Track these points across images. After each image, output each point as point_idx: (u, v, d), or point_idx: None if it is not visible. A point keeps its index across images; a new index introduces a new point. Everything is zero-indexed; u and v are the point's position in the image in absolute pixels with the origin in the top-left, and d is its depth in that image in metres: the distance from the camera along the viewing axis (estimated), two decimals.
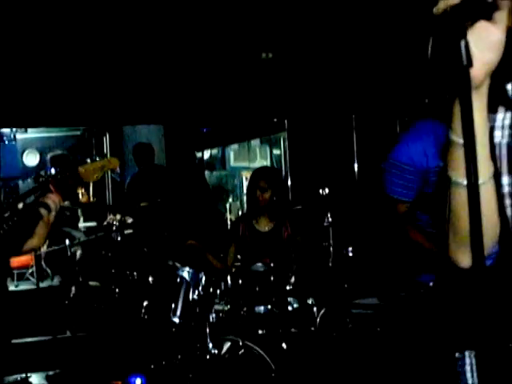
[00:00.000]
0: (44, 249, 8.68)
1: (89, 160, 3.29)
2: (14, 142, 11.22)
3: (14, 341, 5.74)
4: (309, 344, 4.88)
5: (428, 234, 3.68)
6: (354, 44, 6.66)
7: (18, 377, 4.15)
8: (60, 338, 5.96)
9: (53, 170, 3.11)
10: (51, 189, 2.98)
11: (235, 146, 12.42)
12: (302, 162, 7.77)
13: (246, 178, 13.74)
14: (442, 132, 3.51)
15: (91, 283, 7.36)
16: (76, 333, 5.72)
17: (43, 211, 2.86)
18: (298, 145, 8.04)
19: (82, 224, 9.78)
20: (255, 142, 11.73)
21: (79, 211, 9.94)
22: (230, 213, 11.27)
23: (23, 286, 8.51)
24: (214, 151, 12.60)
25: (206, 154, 12.37)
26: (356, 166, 6.90)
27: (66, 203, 7.56)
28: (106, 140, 11.78)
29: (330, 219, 4.87)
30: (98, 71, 7.32)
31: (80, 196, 10.38)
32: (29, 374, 4.19)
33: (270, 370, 4.60)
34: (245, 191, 13.07)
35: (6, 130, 11.04)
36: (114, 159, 3.37)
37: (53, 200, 2.95)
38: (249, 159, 12.70)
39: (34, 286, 8.25)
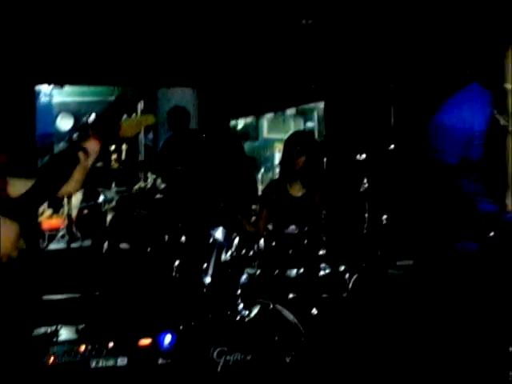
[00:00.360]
0: (76, 201, 8.71)
1: (125, 116, 3.27)
2: (49, 100, 11.22)
3: (44, 297, 5.77)
4: (339, 310, 4.84)
5: (470, 200, 3.62)
6: (397, 10, 6.56)
7: (49, 329, 4.14)
8: (90, 296, 5.97)
9: (93, 117, 3.10)
10: (90, 134, 2.97)
11: (270, 116, 12.31)
12: (338, 131, 7.68)
13: (279, 150, 13.67)
14: (487, 95, 3.45)
15: (122, 245, 7.35)
16: (106, 292, 5.71)
17: (81, 155, 2.84)
18: (334, 113, 7.95)
19: (114, 189, 9.77)
20: (290, 112, 11.62)
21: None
22: (262, 184, 11.21)
23: (54, 246, 8.53)
24: (248, 120, 12.50)
25: (240, 124, 12.29)
26: (392, 136, 6.80)
27: (99, 164, 7.56)
28: (140, 106, 11.74)
29: (367, 185, 4.80)
30: (135, 31, 7.27)
31: (112, 162, 10.39)
32: (59, 327, 4.18)
33: (299, 335, 4.57)
34: (276, 163, 13.04)
35: (42, 88, 11.03)
36: (151, 116, 3.34)
37: (91, 145, 2.93)
38: (283, 131, 12.61)
39: (64, 246, 8.28)
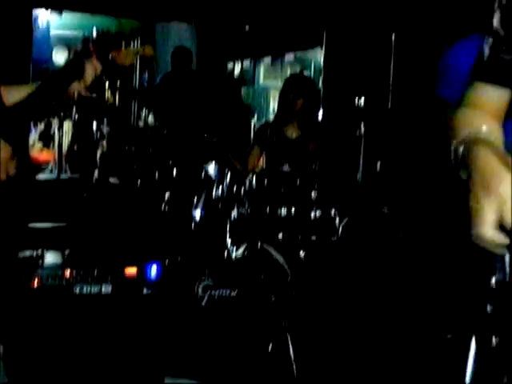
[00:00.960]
0: (68, 135, 8.64)
1: (123, 44, 3.21)
2: (47, 30, 11.10)
3: (30, 225, 5.72)
4: (327, 254, 4.83)
5: None
6: None
7: (34, 252, 4.10)
8: (76, 225, 5.93)
9: (95, 33, 3.04)
10: (92, 51, 2.91)
11: (267, 62, 12.19)
12: (336, 76, 7.60)
13: (274, 98, 13.58)
14: None
15: (111, 180, 7.31)
16: (93, 223, 5.67)
17: (84, 68, 2.79)
18: (334, 58, 7.87)
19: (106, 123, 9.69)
20: (288, 58, 11.50)
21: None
22: (255, 131, 11.14)
23: (43, 176, 8.47)
24: (245, 66, 12.37)
25: (237, 69, 12.18)
26: (391, 83, 6.72)
27: (94, 95, 7.47)
28: (137, 43, 11.61)
29: (363, 130, 4.75)
30: None
31: (106, 97, 10.28)
32: (44, 251, 4.14)
33: (285, 276, 4.55)
34: (271, 110, 12.96)
35: (40, 15, 10.90)
36: (149, 47, 3.27)
37: (93, 63, 2.87)
38: (279, 78, 12.50)
39: (54, 176, 8.23)
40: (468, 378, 1.64)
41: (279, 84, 12.79)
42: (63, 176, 8.24)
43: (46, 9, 10.18)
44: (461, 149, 1.58)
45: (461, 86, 3.56)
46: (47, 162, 9.50)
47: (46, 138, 9.98)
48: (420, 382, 3.76)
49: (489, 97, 1.76)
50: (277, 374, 4.28)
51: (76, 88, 2.83)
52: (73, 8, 9.17)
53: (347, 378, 4.04)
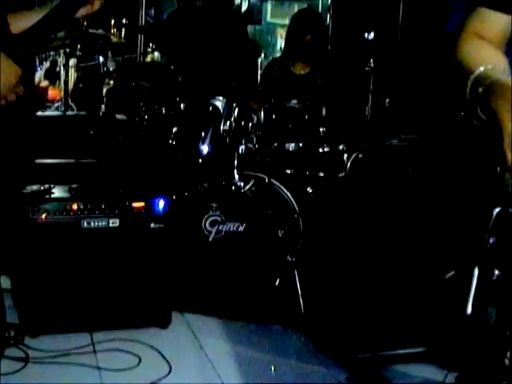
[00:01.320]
0: (73, 73, 8.57)
1: None
2: None
3: (37, 161, 5.70)
4: (335, 190, 4.81)
5: None
6: None
7: (41, 187, 4.08)
8: (84, 162, 5.91)
9: None
10: None
11: None
12: (345, 15, 7.50)
13: (281, 36, 13.44)
14: None
15: (118, 116, 7.24)
16: (100, 159, 5.64)
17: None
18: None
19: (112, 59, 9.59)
20: None
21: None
22: (261, 69, 11.03)
23: (49, 112, 8.42)
24: (252, 2, 12.20)
25: (243, 5, 12.01)
26: (400, 17, 6.61)
27: (100, 31, 7.37)
28: None
29: (373, 65, 4.69)
30: None
31: (111, 37, 10.15)
32: (51, 186, 4.12)
33: (293, 212, 4.54)
34: (278, 49, 12.82)
35: None
36: None
37: None
38: (286, 16, 12.34)
39: (60, 113, 8.18)
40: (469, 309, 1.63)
41: (286, 22, 12.68)
42: (69, 113, 8.17)
43: None
44: (480, 89, 1.56)
45: None
46: (54, 100, 9.45)
47: (52, 76, 9.91)
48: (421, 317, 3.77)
49: (492, 24, 1.73)
50: (284, 308, 4.31)
51: (84, 13, 2.76)
52: None
53: (353, 312, 4.05)
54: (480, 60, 1.64)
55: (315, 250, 4.52)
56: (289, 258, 4.37)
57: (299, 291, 4.29)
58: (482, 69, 1.60)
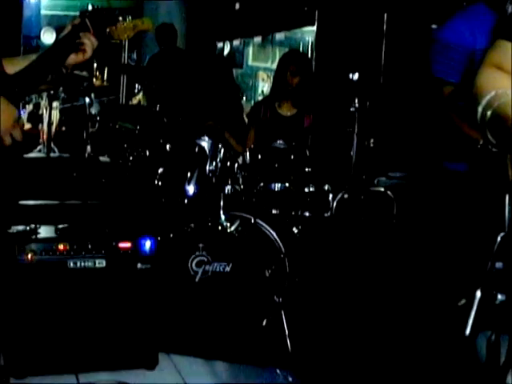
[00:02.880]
0: (56, 116, 8.58)
1: (121, 18, 3.14)
2: (37, 3, 11.06)
3: (21, 202, 5.69)
4: (321, 230, 4.82)
5: (468, 121, 3.55)
6: None
7: (27, 227, 4.06)
8: (68, 203, 5.90)
9: (90, 7, 2.98)
10: (88, 26, 2.86)
11: (256, 42, 12.14)
12: (329, 57, 7.58)
13: (263, 79, 13.55)
14: (492, 17, 3.35)
15: (101, 158, 7.25)
16: (85, 200, 5.64)
17: (80, 42, 2.75)
18: (326, 37, 7.84)
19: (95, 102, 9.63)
20: (279, 37, 11.45)
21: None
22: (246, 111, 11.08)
23: (33, 154, 8.43)
24: (234, 46, 12.31)
25: (226, 49, 12.12)
26: (383, 64, 6.71)
27: (84, 73, 7.43)
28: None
29: (357, 105, 4.73)
30: None
31: (94, 79, 10.21)
32: (37, 226, 4.11)
33: (279, 252, 4.54)
34: (259, 92, 12.91)
35: None
36: (148, 20, 3.20)
37: (90, 37, 2.83)
38: (268, 59, 12.47)
39: (43, 155, 8.19)
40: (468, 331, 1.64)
41: (268, 65, 12.79)
42: (53, 155, 8.19)
43: None
44: (488, 112, 1.57)
45: (458, 64, 3.57)
46: (34, 134, 9.47)
47: (35, 119, 9.93)
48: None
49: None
50: (271, 348, 4.29)
51: (72, 62, 2.79)
52: None
53: (340, 351, 4.05)
54: (493, 87, 1.64)
55: (302, 290, 4.52)
56: (275, 298, 4.36)
57: (286, 331, 4.28)
58: (493, 93, 1.61)
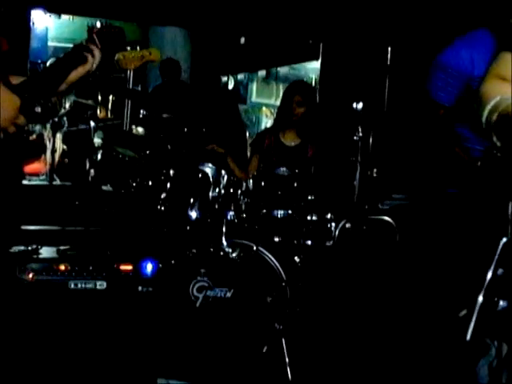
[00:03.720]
0: (59, 146, 8.59)
1: (129, 48, 3.18)
2: (44, 28, 11.16)
3: (23, 227, 5.69)
4: (323, 259, 4.81)
5: (463, 147, 3.57)
6: None
7: (29, 247, 4.06)
8: (70, 229, 5.90)
9: (98, 24, 3.02)
10: (95, 40, 2.90)
11: (260, 78, 12.21)
12: (333, 88, 7.64)
13: (266, 116, 13.60)
14: (492, 43, 3.37)
15: (104, 188, 7.27)
16: (87, 226, 5.63)
17: (86, 54, 2.79)
18: (330, 70, 7.90)
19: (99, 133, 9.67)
20: (283, 71, 11.52)
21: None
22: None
23: (36, 182, 8.44)
24: (239, 77, 12.38)
25: (230, 85, 12.18)
26: (386, 98, 6.75)
27: (89, 102, 7.47)
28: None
29: (361, 134, 4.75)
30: None
31: (98, 111, 10.26)
32: (39, 246, 4.11)
33: (280, 280, 4.53)
34: (262, 128, 12.95)
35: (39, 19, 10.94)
36: (155, 51, 3.23)
37: (96, 50, 2.86)
38: (271, 95, 12.52)
39: (46, 183, 8.19)
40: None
41: (272, 101, 12.85)
42: (55, 183, 8.21)
43: (44, 11, 10.21)
44: (494, 116, 1.59)
45: (454, 88, 3.59)
46: (38, 174, 9.47)
47: (37, 150, 9.94)
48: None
49: None
50: (271, 376, 4.26)
51: (82, 72, 2.82)
52: (68, 11, 9.19)
53: (341, 380, 4.02)
54: (498, 93, 1.67)
55: (303, 318, 4.49)
56: (276, 325, 4.33)
57: (287, 359, 4.24)
58: (498, 98, 1.64)
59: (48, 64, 2.76)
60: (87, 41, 2.93)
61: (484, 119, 1.63)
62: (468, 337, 1.60)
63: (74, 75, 2.83)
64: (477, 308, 1.61)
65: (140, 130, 8.46)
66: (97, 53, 2.87)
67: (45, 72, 2.70)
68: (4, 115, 2.36)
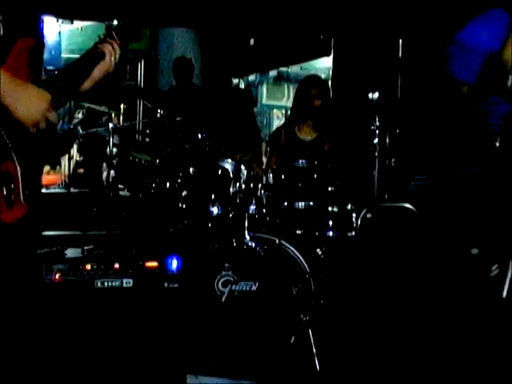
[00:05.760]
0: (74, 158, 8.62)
1: None
2: (58, 39, 11.24)
3: (45, 233, 5.71)
4: (345, 250, 4.81)
5: (486, 124, 3.58)
6: None
7: (54, 248, 4.09)
8: (92, 233, 5.93)
9: (115, 22, 3.06)
10: (114, 36, 2.95)
11: (273, 74, 12.24)
12: (345, 83, 7.65)
13: (278, 117, 13.63)
14: (507, 20, 3.40)
15: (121, 193, 7.29)
16: (109, 230, 5.66)
17: (106, 50, 2.83)
18: (342, 65, 7.92)
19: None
20: (294, 72, 11.55)
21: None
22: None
23: (53, 190, 8.49)
24: (250, 79, 12.42)
25: (242, 85, 12.21)
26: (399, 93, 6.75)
27: (103, 108, 7.50)
28: (141, 65, 11.67)
29: (378, 123, 4.76)
30: None
31: (112, 120, 10.28)
32: (64, 247, 4.13)
33: (303, 272, 4.54)
34: (274, 129, 12.96)
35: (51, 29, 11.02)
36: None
37: (116, 45, 2.90)
38: (282, 98, 12.54)
39: (64, 191, 8.24)
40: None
41: (282, 103, 12.88)
42: (73, 190, 8.25)
43: (56, 18, 10.28)
44: None
45: (475, 65, 3.61)
46: (53, 185, 9.54)
47: (53, 161, 9.97)
48: None
49: None
50: (299, 367, 4.26)
51: (103, 71, 2.86)
52: (79, 16, 9.25)
53: (369, 370, 4.02)
54: None
55: (328, 309, 4.50)
56: (302, 316, 4.34)
57: (314, 350, 4.25)
58: None
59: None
60: (106, 37, 2.97)
61: (509, 82, 1.64)
62: (504, 294, 1.61)
63: (97, 71, 2.87)
64: (509, 271, 1.62)
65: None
66: (117, 48, 2.91)
67: (70, 68, 2.74)
68: (36, 110, 2.39)
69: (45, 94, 2.45)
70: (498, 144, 3.14)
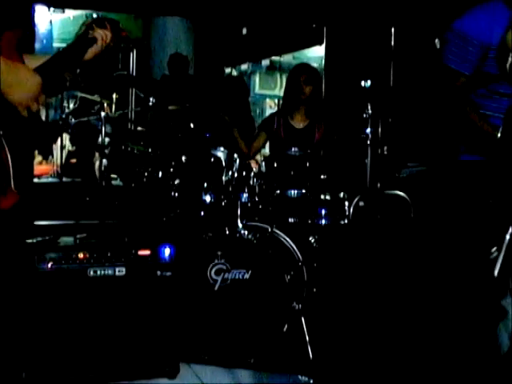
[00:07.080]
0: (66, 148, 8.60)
1: None
2: (49, 28, 11.21)
3: (36, 222, 5.70)
4: (338, 238, 4.82)
5: (482, 115, 3.56)
6: None
7: (47, 237, 4.08)
8: (85, 223, 5.92)
9: (94, 15, 3.09)
10: (106, 25, 2.95)
11: (265, 64, 12.20)
12: (338, 71, 7.65)
13: (270, 107, 13.60)
14: (507, 14, 3.38)
15: (114, 182, 7.28)
16: (102, 219, 5.65)
17: (98, 36, 2.83)
18: (334, 53, 7.92)
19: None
20: (287, 61, 11.52)
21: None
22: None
23: (46, 180, 8.47)
24: (243, 68, 12.38)
25: (234, 74, 12.17)
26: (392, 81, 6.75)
27: (95, 97, 7.48)
28: (133, 55, 11.62)
29: (370, 111, 4.76)
30: None
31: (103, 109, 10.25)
32: (57, 236, 4.13)
33: (296, 261, 4.54)
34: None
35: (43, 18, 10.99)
36: None
37: (107, 31, 2.90)
38: (275, 87, 12.51)
39: (56, 180, 8.22)
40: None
41: (275, 93, 12.84)
42: (65, 179, 8.23)
43: (48, 7, 10.24)
44: None
45: (473, 56, 3.59)
46: (46, 175, 9.52)
47: (45, 152, 9.98)
48: None
49: None
50: (292, 355, 4.27)
51: (94, 52, 2.86)
52: (71, 5, 9.21)
53: (360, 357, 4.02)
54: None
55: (321, 297, 4.50)
56: (295, 304, 4.34)
57: (307, 338, 4.25)
58: None
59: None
60: (93, 22, 2.97)
61: (508, 64, 1.65)
62: (495, 273, 1.61)
63: (90, 53, 2.88)
64: (504, 246, 1.63)
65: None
66: (105, 32, 2.91)
67: (63, 52, 2.74)
68: (28, 93, 2.39)
69: (36, 77, 2.45)
70: (499, 135, 3.13)
